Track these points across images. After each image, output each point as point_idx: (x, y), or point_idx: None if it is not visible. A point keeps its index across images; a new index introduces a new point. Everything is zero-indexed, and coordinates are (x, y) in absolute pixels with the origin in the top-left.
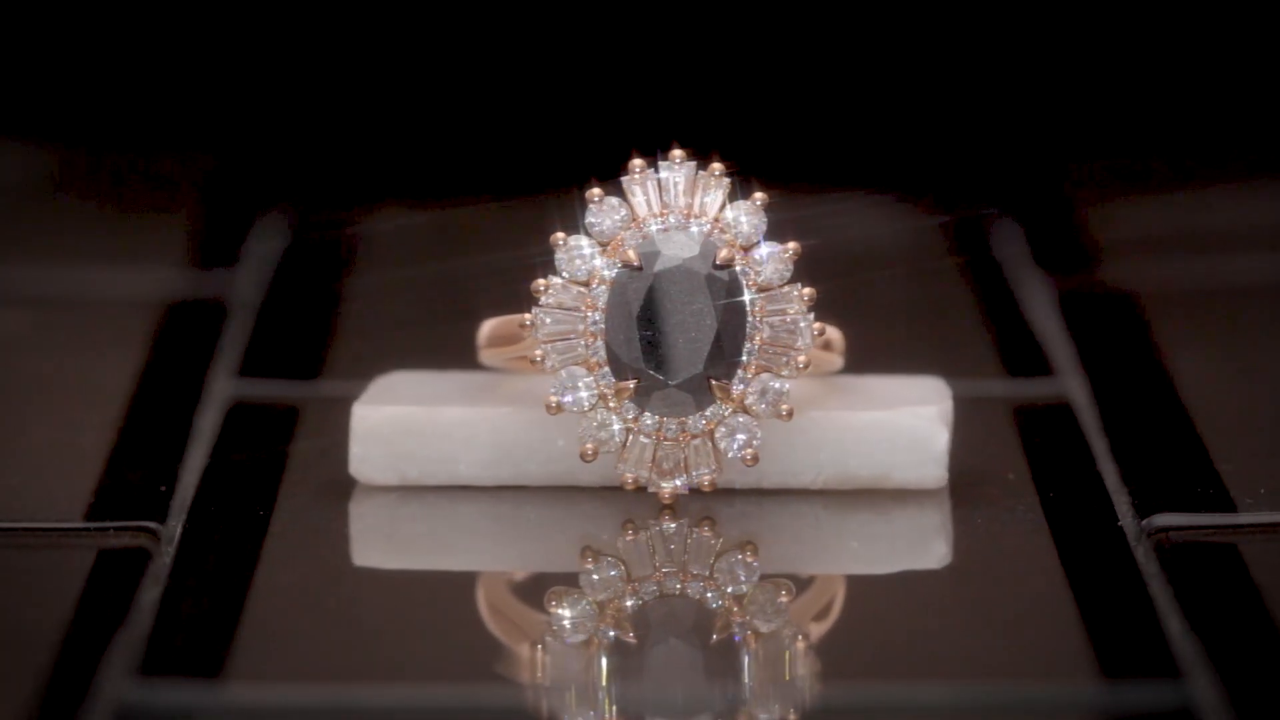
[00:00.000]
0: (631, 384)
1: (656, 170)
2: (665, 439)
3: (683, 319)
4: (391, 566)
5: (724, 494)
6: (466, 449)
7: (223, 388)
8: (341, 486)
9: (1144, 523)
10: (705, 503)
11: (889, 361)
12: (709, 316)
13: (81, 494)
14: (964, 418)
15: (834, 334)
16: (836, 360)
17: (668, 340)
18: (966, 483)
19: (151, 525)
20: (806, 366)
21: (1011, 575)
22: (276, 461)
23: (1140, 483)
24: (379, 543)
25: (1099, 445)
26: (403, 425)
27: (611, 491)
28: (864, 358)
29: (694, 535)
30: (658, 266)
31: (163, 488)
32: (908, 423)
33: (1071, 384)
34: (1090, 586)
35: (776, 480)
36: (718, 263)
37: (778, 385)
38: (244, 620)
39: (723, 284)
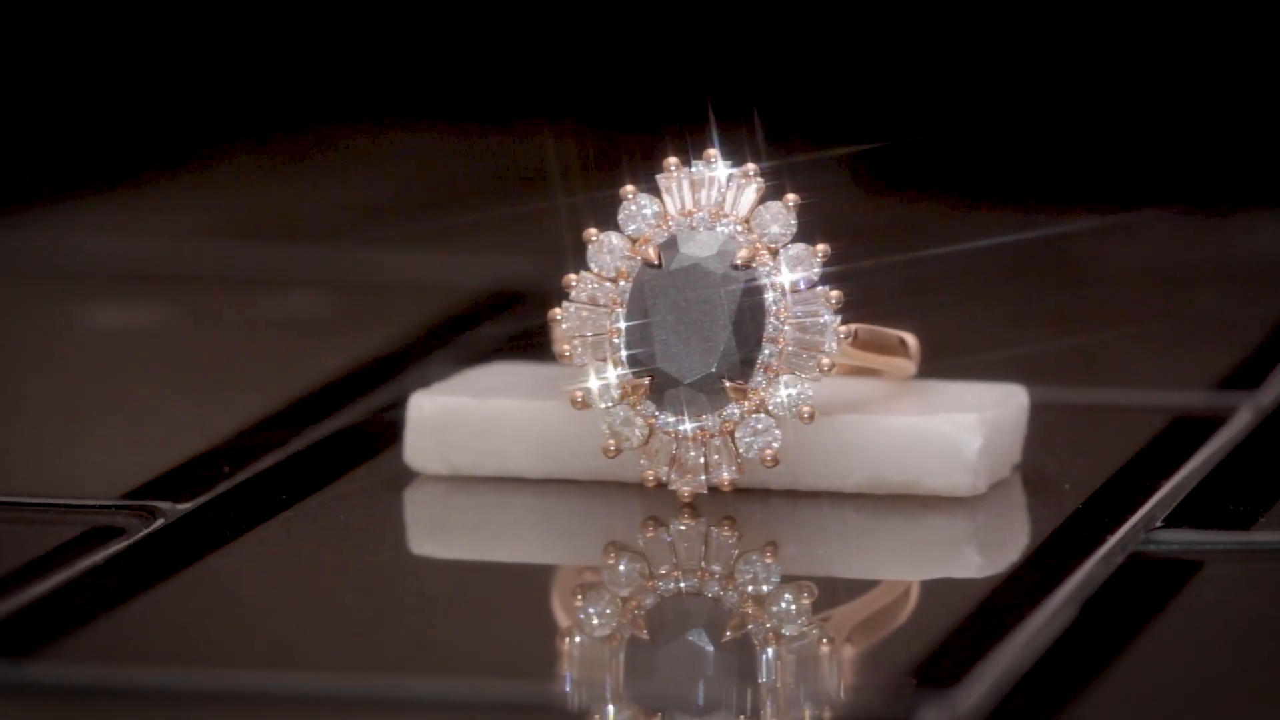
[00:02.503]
0: (646, 381)
1: (691, 169)
2: (684, 437)
3: (696, 318)
4: (427, 555)
5: (757, 494)
6: (513, 442)
7: (426, 375)
8: (403, 476)
9: (1141, 536)
10: (737, 503)
11: (1107, 369)
12: (722, 316)
13: (148, 472)
14: (1092, 424)
15: (911, 340)
16: (909, 366)
17: (681, 338)
18: (1013, 491)
19: (158, 505)
20: (832, 369)
21: (942, 585)
22: (363, 447)
23: (1200, 498)
24: (405, 530)
25: (1207, 459)
26: (454, 416)
27: (654, 488)
28: (1095, 366)
29: (715, 534)
30: (674, 264)
31: (226, 468)
32: (940, 430)
33: (1261, 399)
34: (1001, 599)
35: (811, 482)
36: (737, 263)
37: (799, 387)
38: (134, 604)
39: (738, 284)
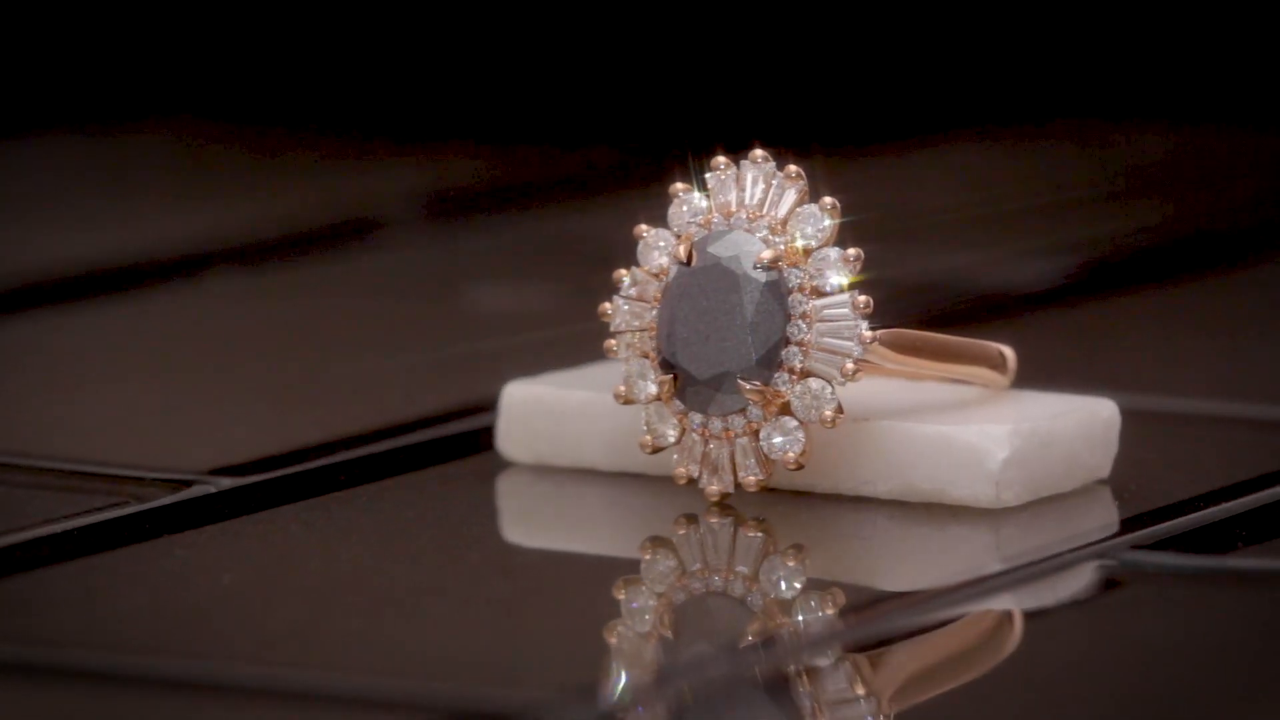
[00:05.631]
0: (670, 378)
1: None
2: (711, 436)
3: (716, 317)
4: (438, 545)
5: (793, 497)
6: (589, 434)
7: None
8: (497, 466)
9: (1109, 555)
10: (771, 504)
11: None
12: (739, 316)
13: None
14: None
15: (1009, 354)
16: (1002, 380)
17: (701, 337)
18: (1059, 505)
19: (198, 478)
20: (857, 373)
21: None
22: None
23: (1233, 522)
24: (440, 519)
25: None
26: (540, 405)
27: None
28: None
29: (742, 535)
30: (700, 263)
31: (345, 450)
32: (967, 440)
33: None
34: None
35: (849, 487)
36: (762, 263)
37: (821, 390)
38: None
39: (758, 284)
